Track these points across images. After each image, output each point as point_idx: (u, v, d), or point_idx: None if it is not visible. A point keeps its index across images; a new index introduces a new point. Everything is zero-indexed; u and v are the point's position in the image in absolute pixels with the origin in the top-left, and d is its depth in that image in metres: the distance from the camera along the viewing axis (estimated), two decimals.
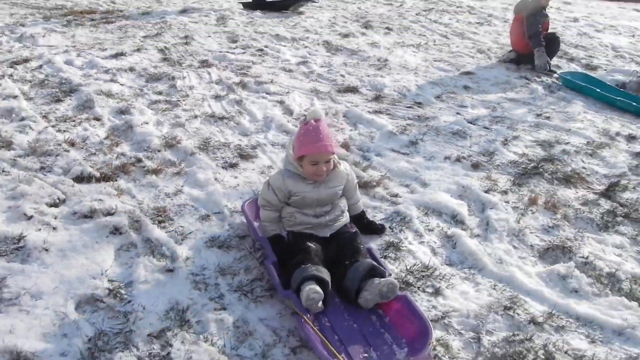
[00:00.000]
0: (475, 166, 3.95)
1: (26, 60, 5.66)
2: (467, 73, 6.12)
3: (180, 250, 2.85)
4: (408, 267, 2.77)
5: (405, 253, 2.91)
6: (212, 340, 2.29)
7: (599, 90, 5.81)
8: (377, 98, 5.18)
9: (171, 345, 2.25)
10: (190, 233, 3.01)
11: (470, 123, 4.71)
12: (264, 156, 3.96)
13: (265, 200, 2.82)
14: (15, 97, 4.65)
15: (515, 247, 3.07)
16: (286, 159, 2.84)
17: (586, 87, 5.87)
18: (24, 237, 2.84)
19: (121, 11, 8.97)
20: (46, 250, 2.78)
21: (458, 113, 4.95)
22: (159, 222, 3.09)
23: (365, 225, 3.01)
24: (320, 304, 2.34)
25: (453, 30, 8.19)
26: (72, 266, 2.70)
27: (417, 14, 9.17)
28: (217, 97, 4.95)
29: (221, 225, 3.10)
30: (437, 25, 8.43)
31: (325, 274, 2.45)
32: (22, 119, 4.26)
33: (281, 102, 4.92)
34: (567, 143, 4.51)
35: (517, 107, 5.25)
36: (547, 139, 4.53)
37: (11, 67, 5.47)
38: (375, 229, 3.03)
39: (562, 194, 3.67)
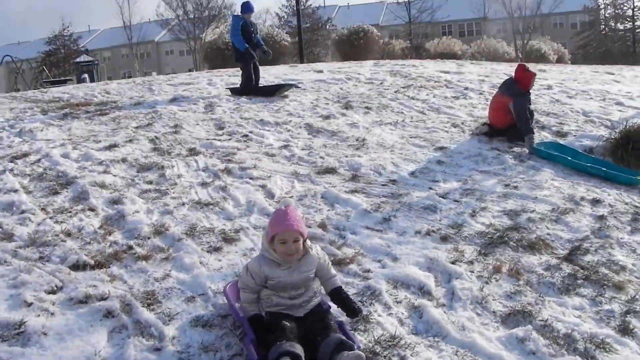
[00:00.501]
0: (444, 239, 4.22)
1: (25, 155, 6.03)
2: (441, 148, 6.50)
3: (167, 330, 3.06)
4: (376, 338, 2.99)
5: (374, 325, 3.13)
6: None
7: (570, 158, 6.19)
8: (354, 178, 5.52)
9: None
10: (176, 314, 3.24)
11: (442, 197, 5.01)
12: (246, 239, 4.23)
13: (244, 284, 3.08)
14: (15, 191, 4.98)
15: (478, 314, 3.29)
16: (262, 246, 3.12)
17: (558, 156, 6.26)
18: (24, 322, 3.07)
19: (115, 102, 9.49)
20: (45, 334, 3.00)
21: (430, 188, 5.27)
22: (148, 304, 3.32)
23: (341, 301, 3.21)
24: None
25: (430, 106, 8.67)
26: (69, 348, 2.91)
27: (395, 92, 9.72)
28: (203, 184, 5.27)
29: (205, 306, 3.33)
30: (415, 101, 8.93)
31: (299, 350, 2.67)
32: (23, 211, 4.56)
33: (263, 187, 5.24)
34: (533, 211, 4.80)
35: (487, 179, 5.58)
36: (513, 208, 4.82)
37: (12, 161, 5.84)
38: (351, 311, 3.08)
39: (526, 260, 3.93)
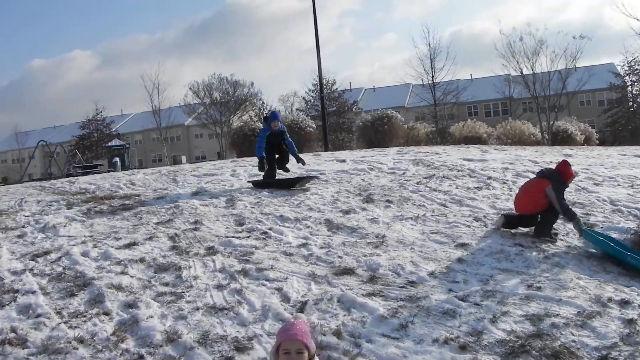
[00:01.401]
0: (463, 348, 4.05)
1: (47, 253, 6.14)
2: (462, 245, 6.38)
3: None
4: None
5: None
6: None
7: (613, 245, 6.11)
8: (372, 279, 5.42)
9: None
10: None
11: (461, 300, 4.86)
12: (259, 347, 4.14)
13: None
14: (33, 292, 5.03)
15: None
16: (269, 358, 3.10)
17: (603, 242, 6.23)
18: None
19: (138, 195, 9.70)
20: None
21: (450, 290, 5.12)
22: None
23: None
24: None
25: (452, 198, 8.62)
26: None
27: (417, 183, 9.72)
28: (219, 287, 5.23)
29: None
30: (437, 193, 8.90)
31: None
32: (38, 315, 4.59)
33: (279, 289, 5.17)
34: (557, 315, 4.60)
35: (509, 278, 5.41)
36: (536, 312, 4.63)
37: (33, 259, 5.93)
38: None
39: None
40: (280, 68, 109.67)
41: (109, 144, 38.86)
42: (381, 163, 12.12)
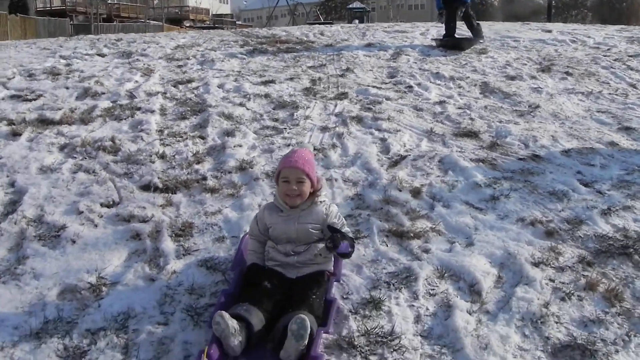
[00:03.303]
0: (549, 234, 3.33)
1: (189, 81, 6.46)
2: (627, 128, 5.18)
3: (172, 263, 2.99)
4: (369, 328, 2.49)
5: (382, 313, 2.61)
6: (130, 351, 2.37)
7: None
8: (492, 146, 4.71)
9: (95, 344, 2.39)
10: (195, 250, 3.13)
11: (584, 185, 3.98)
12: (329, 190, 3.90)
13: (250, 229, 2.88)
14: (152, 111, 5.36)
15: (524, 335, 2.52)
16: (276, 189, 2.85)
17: None
18: (65, 227, 3.28)
19: (312, 42, 9.63)
20: (73, 241, 3.17)
21: (578, 172, 4.23)
22: (177, 235, 3.27)
23: (332, 230, 2.65)
24: (233, 341, 2.25)
25: None
26: (82, 258, 3.03)
27: (616, 60, 8.05)
28: (324, 129, 5.02)
29: (229, 249, 3.16)
30: (632, 72, 7.30)
31: (254, 318, 2.33)
32: (142, 130, 4.89)
33: (383, 140, 4.79)
34: None
35: None
36: None
37: (175, 86, 6.31)
38: (331, 239, 2.58)
39: None
40: None
41: (350, 5, 39.26)
42: (589, 37, 10.25)
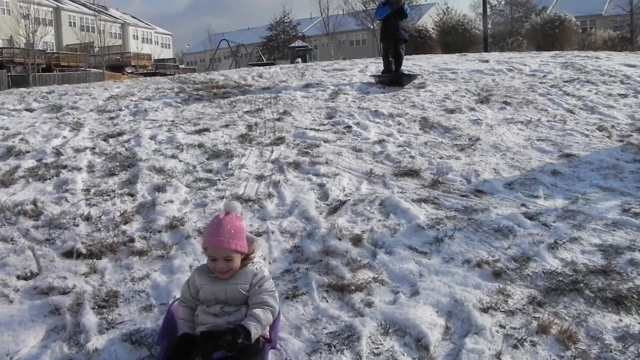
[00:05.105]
0: (497, 275, 3.19)
1: (120, 134, 6.16)
2: (568, 155, 5.19)
3: (95, 340, 2.69)
4: None
5: None
6: None
7: None
8: (434, 184, 4.60)
9: None
10: (120, 323, 2.83)
11: (529, 218, 3.87)
12: (265, 244, 3.66)
13: (182, 293, 2.64)
14: (79, 169, 5.03)
15: None
16: None
17: None
18: None
19: (250, 86, 9.48)
20: None
21: (523, 205, 4.15)
22: (100, 307, 2.97)
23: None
24: None
25: (584, 104, 7.14)
26: None
27: (552, 86, 8.22)
28: (259, 178, 4.81)
29: (156, 319, 2.87)
30: (568, 98, 7.44)
31: None
32: (66, 190, 4.55)
33: (321, 186, 4.61)
34: None
35: (606, 199, 4.24)
36: (617, 244, 3.48)
37: (105, 140, 5.99)
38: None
39: (596, 321, 2.75)
40: None
41: (292, 45, 39.60)
42: (525, 64, 10.51)
